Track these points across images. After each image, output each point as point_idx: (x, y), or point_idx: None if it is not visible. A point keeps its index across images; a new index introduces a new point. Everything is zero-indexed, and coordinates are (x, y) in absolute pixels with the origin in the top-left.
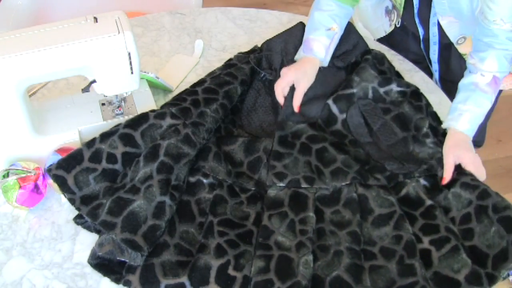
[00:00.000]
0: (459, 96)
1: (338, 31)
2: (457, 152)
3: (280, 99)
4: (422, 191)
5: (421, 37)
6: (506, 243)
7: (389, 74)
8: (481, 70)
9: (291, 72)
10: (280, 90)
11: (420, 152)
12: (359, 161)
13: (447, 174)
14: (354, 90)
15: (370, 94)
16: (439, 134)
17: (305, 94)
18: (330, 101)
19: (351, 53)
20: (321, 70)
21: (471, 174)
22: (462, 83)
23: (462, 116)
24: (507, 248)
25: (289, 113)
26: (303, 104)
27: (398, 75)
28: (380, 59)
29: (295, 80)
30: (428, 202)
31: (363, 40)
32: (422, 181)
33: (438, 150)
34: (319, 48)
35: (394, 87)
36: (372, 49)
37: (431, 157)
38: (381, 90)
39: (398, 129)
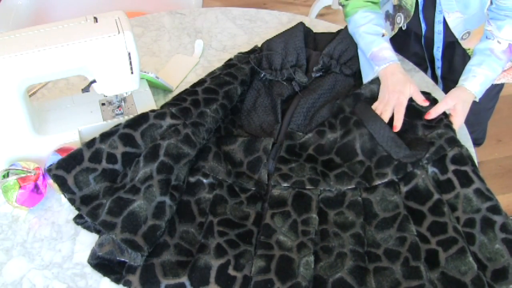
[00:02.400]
0: (474, 59)
1: (387, 34)
2: (459, 106)
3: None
4: (432, 184)
5: (423, 33)
6: (508, 263)
7: None
8: (497, 37)
9: (403, 88)
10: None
11: (430, 133)
12: (364, 150)
13: (436, 111)
14: (362, 91)
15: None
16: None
17: (316, 104)
18: (338, 101)
19: (358, 59)
20: (330, 77)
21: (451, 128)
22: (478, 47)
23: (475, 78)
24: (507, 268)
25: (300, 123)
26: (314, 113)
27: None
28: None
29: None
30: (436, 195)
31: None
32: (430, 169)
33: (449, 131)
34: (388, 53)
35: None
36: None
37: (440, 136)
38: None
39: (406, 119)
